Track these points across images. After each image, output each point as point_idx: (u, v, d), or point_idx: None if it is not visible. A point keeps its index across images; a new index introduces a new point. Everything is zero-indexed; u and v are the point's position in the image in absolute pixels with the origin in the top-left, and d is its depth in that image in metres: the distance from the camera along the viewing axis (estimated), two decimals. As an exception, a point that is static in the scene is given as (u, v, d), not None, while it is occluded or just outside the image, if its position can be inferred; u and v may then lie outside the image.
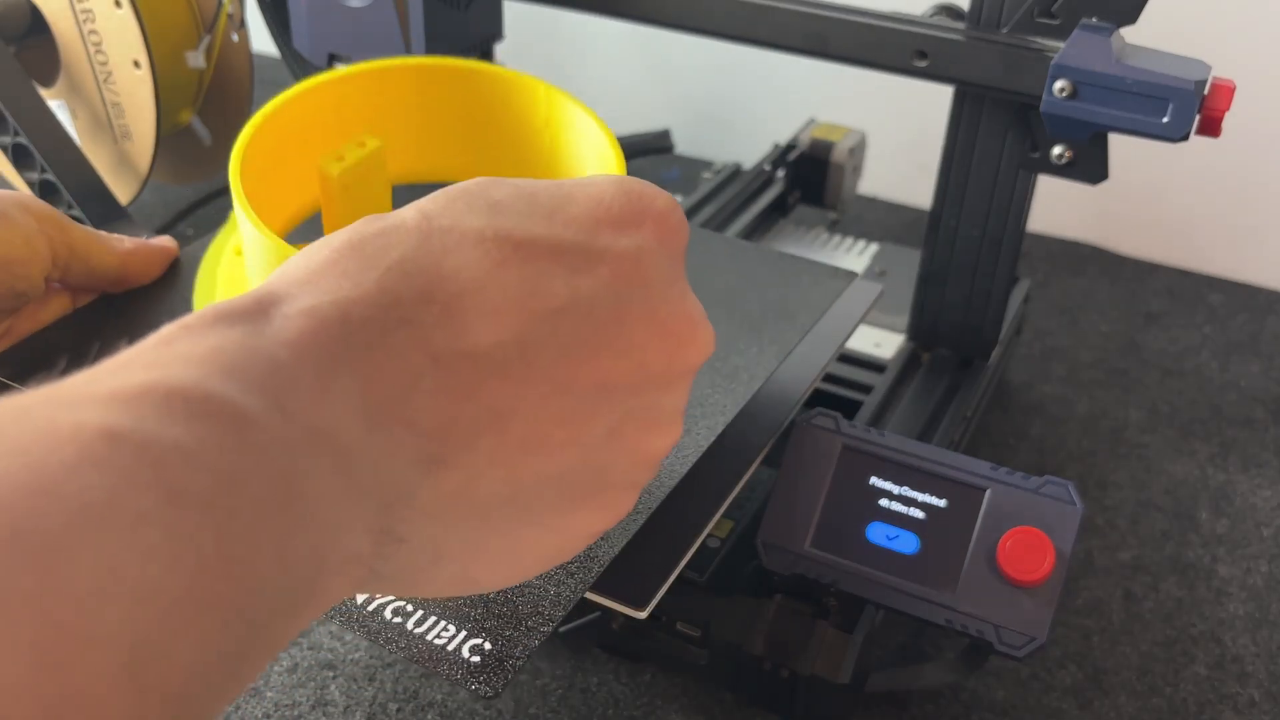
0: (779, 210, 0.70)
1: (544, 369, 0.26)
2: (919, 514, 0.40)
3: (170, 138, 0.73)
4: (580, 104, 0.46)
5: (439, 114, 0.50)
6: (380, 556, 0.24)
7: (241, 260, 0.44)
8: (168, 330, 0.22)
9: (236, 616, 0.19)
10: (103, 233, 0.43)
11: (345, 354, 0.24)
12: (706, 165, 0.78)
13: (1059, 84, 0.44)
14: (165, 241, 0.46)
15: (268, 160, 0.44)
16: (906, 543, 0.40)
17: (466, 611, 0.33)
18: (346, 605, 0.33)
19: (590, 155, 0.46)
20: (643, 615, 0.34)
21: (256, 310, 0.23)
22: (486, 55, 0.63)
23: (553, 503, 0.28)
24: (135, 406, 0.19)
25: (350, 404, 0.23)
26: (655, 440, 0.30)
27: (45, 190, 0.58)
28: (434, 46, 0.55)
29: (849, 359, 0.57)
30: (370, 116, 0.48)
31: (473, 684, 0.31)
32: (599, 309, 0.27)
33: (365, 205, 0.46)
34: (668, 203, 0.30)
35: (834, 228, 0.71)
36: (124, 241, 0.44)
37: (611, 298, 0.28)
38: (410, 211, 0.27)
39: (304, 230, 0.48)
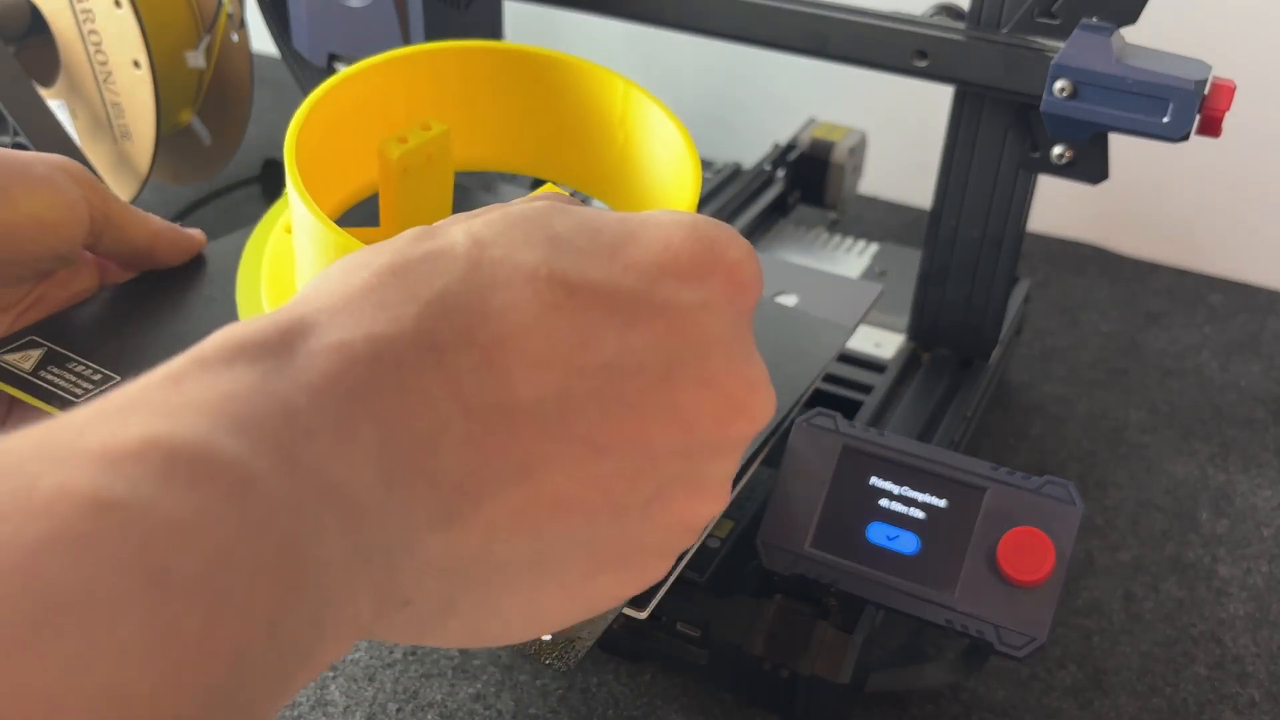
0: (779, 210, 0.70)
1: (583, 429, 0.24)
2: (919, 514, 0.40)
3: (170, 138, 0.73)
4: (659, 103, 0.45)
5: (512, 102, 0.48)
6: (382, 618, 0.23)
7: (289, 239, 0.43)
8: (179, 365, 0.21)
9: (221, 701, 0.18)
10: (135, 208, 0.43)
11: (370, 398, 0.22)
12: (707, 165, 0.78)
13: (1059, 84, 0.44)
14: (194, 232, 0.46)
15: (327, 134, 0.42)
16: (906, 543, 0.40)
17: None
18: None
19: (664, 156, 0.45)
20: (643, 615, 0.34)
21: (280, 343, 0.22)
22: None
23: (578, 567, 0.26)
24: (130, 467, 0.18)
25: (368, 455, 0.22)
26: (698, 509, 0.28)
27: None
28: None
29: (849, 359, 0.57)
30: (440, 98, 0.46)
31: (546, 659, 0.31)
32: (649, 368, 0.25)
33: (425, 191, 0.45)
34: (743, 252, 0.28)
35: (834, 228, 0.71)
36: (154, 220, 0.44)
37: (664, 357, 0.26)
38: (461, 234, 0.25)
39: (360, 210, 0.47)
